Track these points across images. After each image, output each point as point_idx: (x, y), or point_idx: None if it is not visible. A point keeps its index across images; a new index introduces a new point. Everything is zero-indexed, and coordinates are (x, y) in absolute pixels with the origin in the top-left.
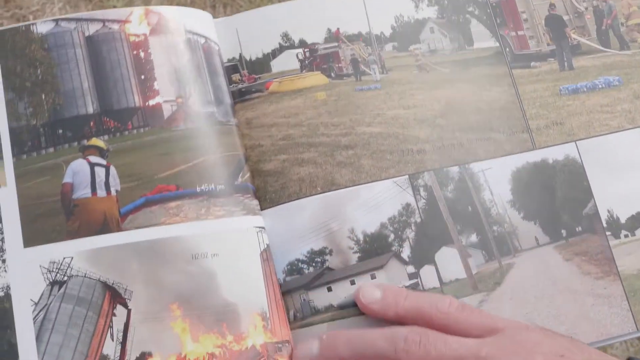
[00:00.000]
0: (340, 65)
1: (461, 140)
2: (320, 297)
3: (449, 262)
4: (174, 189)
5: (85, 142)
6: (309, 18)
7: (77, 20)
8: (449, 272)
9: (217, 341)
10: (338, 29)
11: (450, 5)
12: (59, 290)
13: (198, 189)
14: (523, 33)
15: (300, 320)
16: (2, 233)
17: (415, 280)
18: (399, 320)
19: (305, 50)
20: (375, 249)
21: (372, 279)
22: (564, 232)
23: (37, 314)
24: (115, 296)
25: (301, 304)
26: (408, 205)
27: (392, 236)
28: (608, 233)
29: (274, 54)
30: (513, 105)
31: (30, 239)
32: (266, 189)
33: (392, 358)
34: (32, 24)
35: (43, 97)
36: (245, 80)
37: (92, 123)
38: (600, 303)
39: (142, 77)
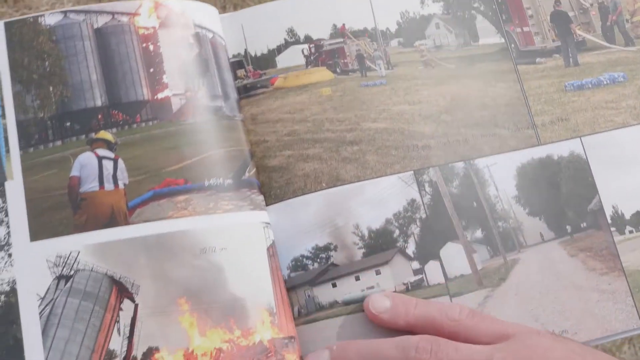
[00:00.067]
0: (345, 61)
1: (466, 136)
2: (324, 293)
3: (454, 257)
4: (182, 182)
5: (93, 135)
6: (315, 14)
7: (86, 12)
8: (454, 267)
9: (225, 336)
10: (343, 24)
11: (456, 1)
12: (65, 284)
13: (206, 183)
14: (528, 29)
15: (305, 316)
16: (8, 227)
17: (420, 276)
18: (409, 329)
19: (311, 45)
20: (380, 245)
21: (377, 274)
22: (568, 228)
23: (43, 309)
24: (122, 290)
25: (306, 300)
26: (413, 201)
27: (397, 232)
28: (613, 229)
29: (280, 49)
30: (518, 101)
31: (37, 232)
32: (271, 185)
33: None
34: (40, 16)
35: (51, 89)
36: (250, 76)
37: (100, 116)
38: (605, 299)
39: (151, 70)
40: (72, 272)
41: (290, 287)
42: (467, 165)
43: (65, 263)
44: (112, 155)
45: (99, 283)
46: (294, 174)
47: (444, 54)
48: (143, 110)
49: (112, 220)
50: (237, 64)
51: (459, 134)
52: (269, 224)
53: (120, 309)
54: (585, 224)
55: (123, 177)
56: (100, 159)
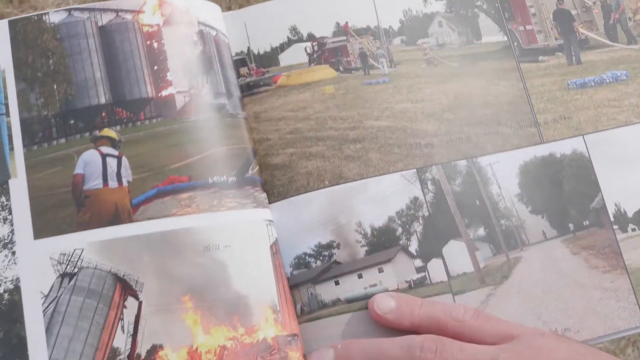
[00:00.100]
0: (348, 59)
1: (469, 134)
2: (327, 291)
3: (456, 255)
4: (186, 180)
5: (97, 132)
6: (318, 12)
7: (90, 10)
8: (456, 265)
9: (229, 333)
10: (346, 22)
11: (459, 0)
12: (69, 282)
13: (210, 180)
14: (531, 27)
15: (308, 314)
16: (12, 225)
17: (422, 274)
18: (413, 330)
19: (314, 44)
20: (382, 243)
21: (379, 272)
22: (571, 225)
23: (47, 307)
24: (126, 288)
25: (308, 297)
26: (416, 198)
27: (399, 230)
28: (615, 227)
29: (282, 47)
30: (521, 100)
31: (41, 230)
32: (274, 183)
33: None
34: (45, 14)
35: (55, 87)
36: (253, 74)
37: (104, 113)
38: (608, 297)
39: (155, 67)
40: (75, 270)
41: (293, 285)
42: (470, 163)
43: (69, 261)
44: (116, 152)
45: (103, 280)
46: (296, 172)
47: (447, 52)
48: (147, 107)
49: (115, 217)
50: (240, 62)
51: (462, 132)
52: (272, 221)
53: (124, 306)
54: (587, 222)
55: (127, 175)
56: (104, 156)
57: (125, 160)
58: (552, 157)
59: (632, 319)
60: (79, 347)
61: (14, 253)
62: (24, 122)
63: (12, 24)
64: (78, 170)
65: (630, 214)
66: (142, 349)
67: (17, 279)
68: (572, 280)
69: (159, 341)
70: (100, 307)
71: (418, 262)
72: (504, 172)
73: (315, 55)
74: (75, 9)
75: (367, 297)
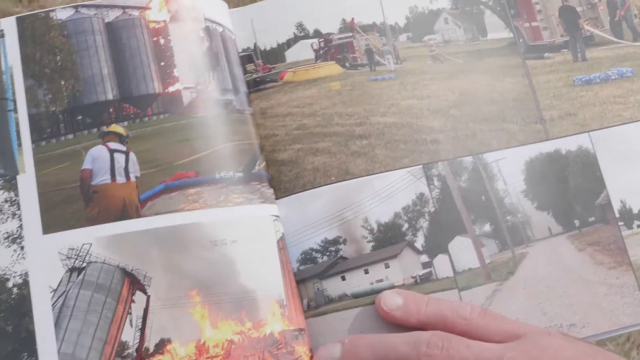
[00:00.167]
0: (354, 55)
1: (475, 130)
2: (334, 286)
3: (462, 251)
4: (193, 175)
5: (104, 128)
6: (324, 8)
7: (97, 6)
8: (462, 261)
9: (236, 328)
10: (353, 19)
11: None
12: (77, 276)
13: (217, 176)
14: (537, 24)
15: (314, 309)
16: (20, 220)
17: (429, 270)
18: (420, 327)
19: (320, 40)
20: (389, 238)
21: (385, 268)
22: (576, 222)
23: (56, 301)
24: (134, 282)
25: (315, 293)
26: (422, 194)
27: (406, 225)
28: (620, 223)
29: (289, 44)
30: (526, 96)
31: (49, 225)
32: (280, 179)
33: None
34: (52, 11)
35: (62, 83)
36: (259, 70)
37: (111, 109)
38: (613, 293)
39: (162, 63)
40: (84, 265)
41: (300, 280)
42: (476, 160)
43: (78, 255)
44: (123, 148)
45: (111, 275)
46: (303, 168)
47: (453, 48)
48: (154, 103)
49: (123, 212)
50: (246, 58)
51: (468, 128)
52: (278, 217)
53: (133, 300)
54: (593, 218)
55: (135, 170)
56: (111, 152)
57: (133, 156)
58: (558, 153)
59: (637, 314)
60: (88, 341)
61: (22, 248)
62: (32, 118)
63: (19, 21)
64: (86, 165)
65: (635, 211)
66: (150, 343)
67: (26, 274)
68: (578, 276)
69: (167, 335)
70: (109, 301)
71: (424, 258)
72: (509, 169)
73: (321, 52)
74: (82, 6)
75: (374, 292)
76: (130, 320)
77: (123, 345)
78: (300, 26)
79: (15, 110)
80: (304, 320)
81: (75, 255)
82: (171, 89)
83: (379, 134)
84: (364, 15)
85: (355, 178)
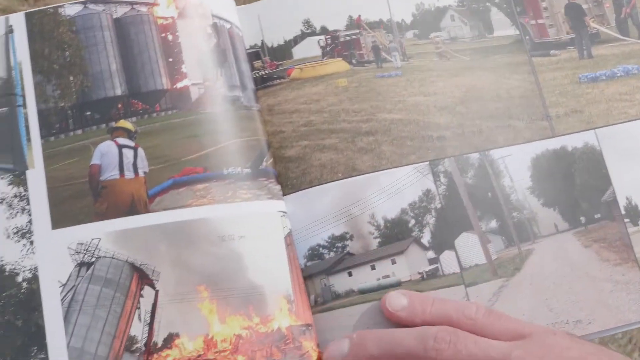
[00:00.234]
0: (361, 52)
1: (481, 127)
2: (340, 282)
3: (469, 247)
4: (201, 171)
5: (113, 123)
6: (331, 5)
7: (105, 2)
8: (468, 257)
9: (244, 323)
10: (359, 16)
11: None
12: (86, 271)
13: (225, 172)
14: (543, 21)
15: (322, 305)
16: (30, 215)
17: (435, 266)
18: None
19: (327, 37)
20: (395, 235)
21: (392, 264)
22: (582, 218)
23: (65, 295)
24: (142, 277)
25: (322, 288)
26: (428, 191)
27: (412, 222)
28: (626, 220)
29: (296, 40)
30: (532, 93)
31: (59, 220)
32: (287, 175)
33: (422, 356)
34: (60, 7)
35: (71, 79)
36: (267, 67)
37: (120, 105)
38: (619, 289)
39: (170, 59)
40: (93, 260)
41: (307, 276)
42: (482, 156)
43: (87, 250)
44: (132, 143)
45: (120, 270)
46: (310, 164)
47: (459, 45)
48: (162, 99)
49: (132, 208)
50: (253, 55)
51: (474, 125)
52: (286, 213)
53: (141, 295)
54: (599, 215)
55: (143, 166)
56: (120, 147)
57: (141, 151)
58: (564, 150)
59: None
60: (97, 335)
61: (32, 243)
62: (41, 114)
63: (28, 17)
64: (95, 161)
65: None
66: (158, 338)
67: (36, 268)
68: (584, 273)
69: (175, 330)
70: (118, 296)
71: (430, 254)
72: (515, 165)
73: (328, 49)
74: (91, 2)
75: (380, 288)
76: (139, 315)
77: (132, 340)
78: (307, 23)
79: (24, 105)
80: (311, 315)
81: (84, 250)
82: (179, 85)
83: (386, 130)
84: (370, 12)
85: (362, 174)
